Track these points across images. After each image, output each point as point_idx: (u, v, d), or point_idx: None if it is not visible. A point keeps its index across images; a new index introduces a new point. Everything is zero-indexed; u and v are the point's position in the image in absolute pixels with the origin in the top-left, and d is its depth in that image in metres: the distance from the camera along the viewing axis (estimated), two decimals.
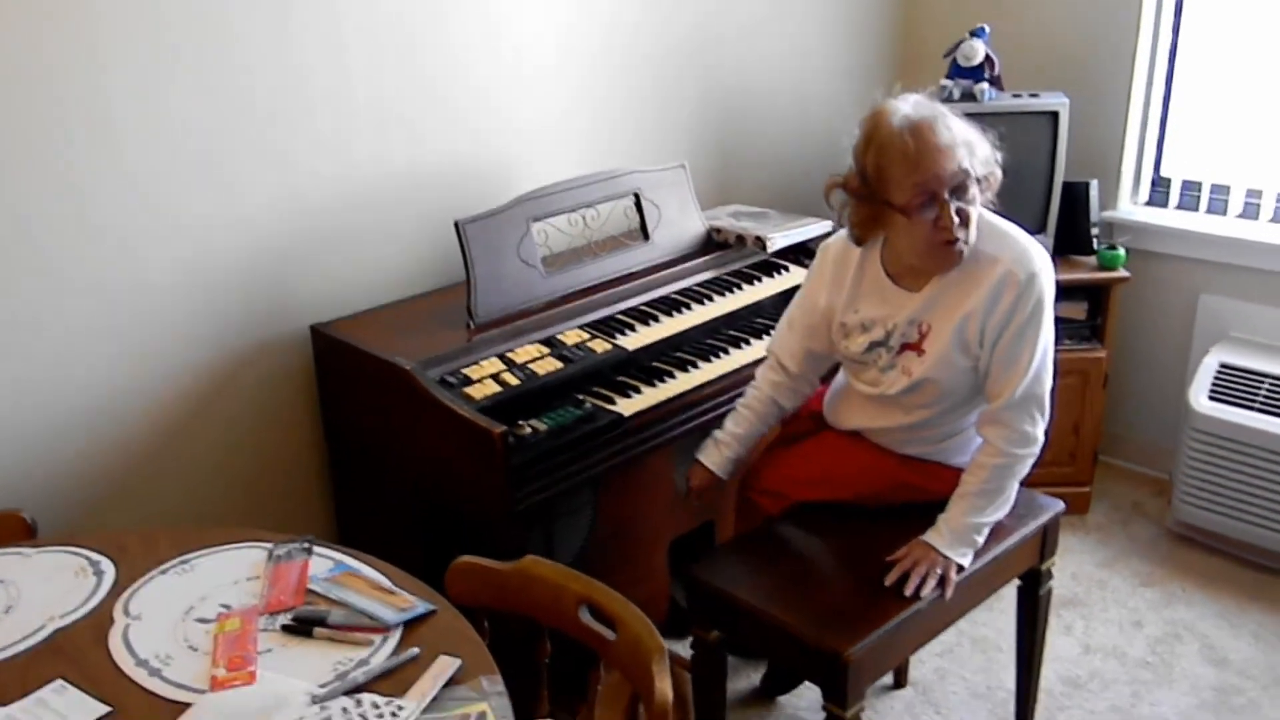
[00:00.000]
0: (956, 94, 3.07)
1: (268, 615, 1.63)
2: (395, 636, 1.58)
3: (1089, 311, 3.26)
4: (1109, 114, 3.35)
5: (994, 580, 2.22)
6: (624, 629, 1.62)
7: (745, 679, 2.71)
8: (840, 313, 2.17)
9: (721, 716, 2.28)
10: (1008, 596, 2.39)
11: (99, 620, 1.63)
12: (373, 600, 1.65)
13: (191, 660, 1.54)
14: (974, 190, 1.97)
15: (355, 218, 2.48)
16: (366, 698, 1.44)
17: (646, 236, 2.68)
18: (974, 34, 3.06)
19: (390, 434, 2.30)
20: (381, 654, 1.54)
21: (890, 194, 1.96)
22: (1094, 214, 3.22)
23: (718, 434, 2.34)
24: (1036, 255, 2.02)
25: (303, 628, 1.60)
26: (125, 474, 2.25)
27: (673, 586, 2.69)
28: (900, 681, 2.66)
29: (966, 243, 1.99)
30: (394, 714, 1.41)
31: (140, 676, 1.51)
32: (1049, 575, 2.34)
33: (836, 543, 2.18)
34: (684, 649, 2.30)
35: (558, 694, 1.91)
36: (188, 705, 1.45)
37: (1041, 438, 2.08)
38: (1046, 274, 2.02)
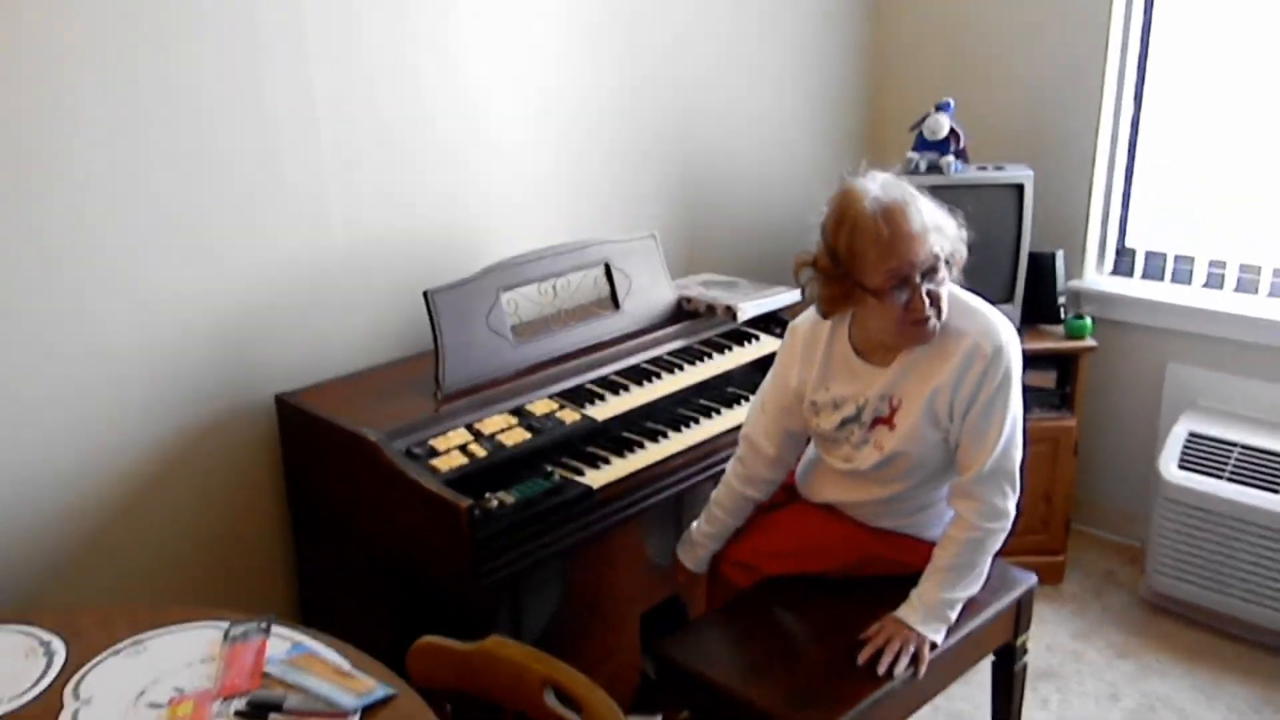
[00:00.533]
0: (923, 166, 3.10)
1: (222, 700, 1.58)
2: None
3: (1058, 380, 3.27)
4: (1073, 186, 3.39)
5: (968, 656, 2.19)
6: (588, 712, 1.57)
7: None
8: (811, 391, 2.17)
9: None
10: (983, 669, 2.36)
11: (48, 704, 1.57)
12: (331, 684, 1.60)
13: None
14: (944, 272, 1.98)
15: (323, 285, 2.45)
16: None
17: (617, 306, 2.67)
18: (939, 108, 3.11)
19: (356, 506, 2.26)
20: None
21: (863, 277, 1.96)
22: (1060, 283, 3.24)
23: (693, 533, 2.35)
24: (1003, 328, 2.03)
25: (257, 713, 1.54)
26: (82, 546, 2.18)
27: (643, 659, 2.64)
28: None
29: (938, 320, 1.99)
30: None
31: None
32: (1024, 650, 2.32)
33: (809, 618, 2.15)
34: None
35: None
36: None
37: (1013, 511, 2.07)
38: (1013, 346, 2.03)
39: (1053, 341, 3.23)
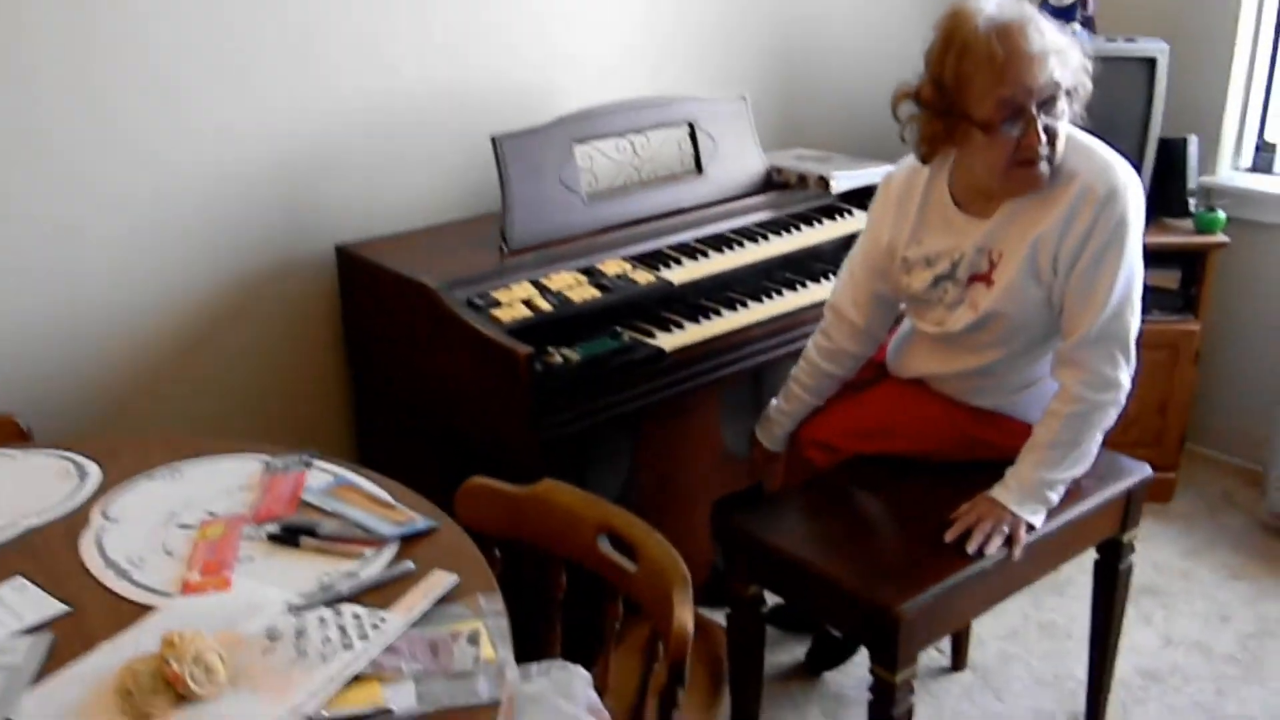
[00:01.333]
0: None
1: (254, 524, 1.48)
2: (390, 551, 1.42)
3: (1182, 280, 2.99)
4: (1210, 69, 3.07)
5: (1068, 546, 1.99)
6: (645, 558, 1.44)
7: (788, 653, 2.51)
8: (904, 247, 1.97)
9: (758, 681, 2.09)
10: (1080, 581, 2.16)
11: (74, 522, 1.50)
12: (369, 513, 1.50)
13: (165, 565, 1.40)
14: (1063, 104, 1.76)
15: (390, 134, 2.33)
16: (348, 608, 1.28)
17: (700, 170, 2.49)
18: None
19: (414, 359, 2.15)
20: (373, 568, 1.38)
21: (970, 107, 1.75)
22: (1192, 174, 2.95)
23: (771, 410, 2.17)
24: (1120, 171, 1.79)
25: (289, 537, 1.44)
26: (134, 387, 2.12)
27: (715, 549, 2.50)
28: (958, 663, 2.44)
29: (1051, 163, 1.78)
30: (375, 626, 1.25)
31: (108, 578, 1.37)
32: (1130, 549, 2.11)
33: (893, 498, 1.97)
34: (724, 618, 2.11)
35: (577, 640, 1.73)
36: (151, 609, 1.30)
37: (1126, 385, 1.85)
38: (1132, 193, 1.79)
39: (1180, 236, 2.95)
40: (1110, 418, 1.86)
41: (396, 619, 1.26)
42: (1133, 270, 1.81)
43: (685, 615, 1.30)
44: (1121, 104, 2.81)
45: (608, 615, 1.54)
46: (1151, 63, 2.84)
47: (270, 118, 2.17)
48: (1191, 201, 2.98)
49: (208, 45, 2.06)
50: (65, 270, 2.02)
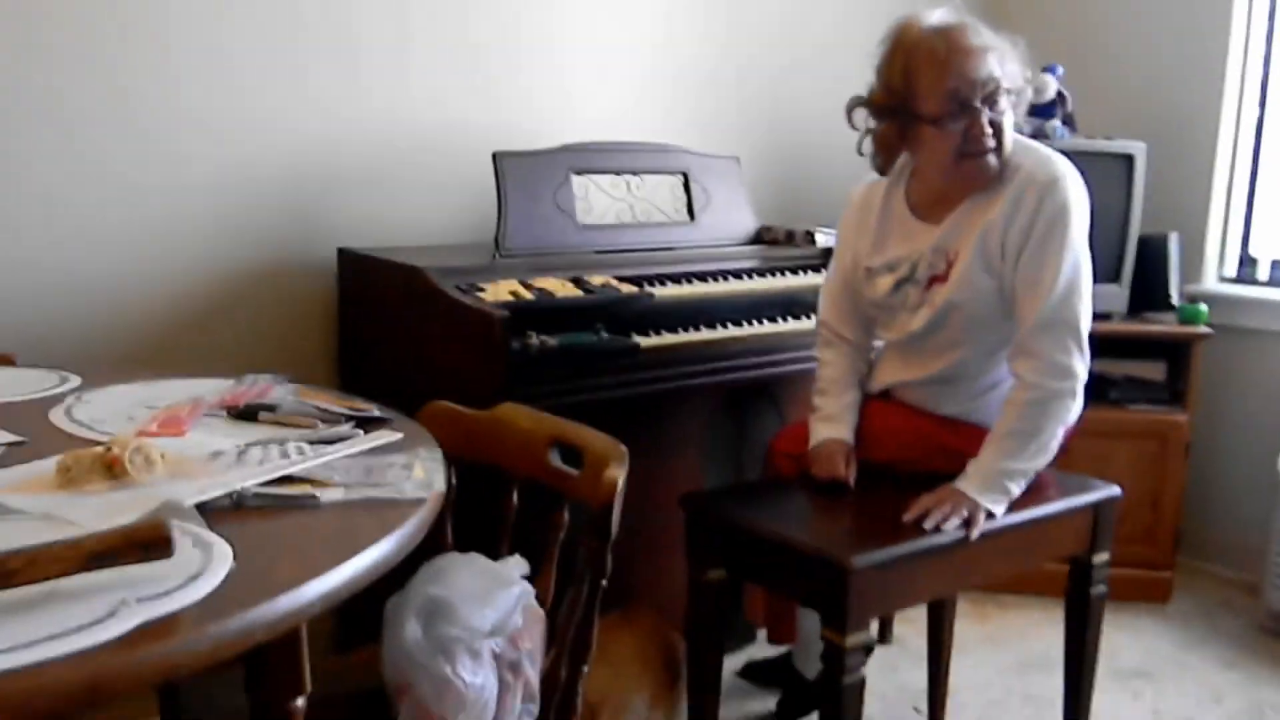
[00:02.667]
0: (1026, 130, 2.99)
1: (217, 409, 1.53)
2: (345, 428, 1.46)
3: (1168, 373, 3.04)
4: (1191, 170, 3.22)
5: (1031, 549, 1.98)
6: (588, 453, 1.47)
7: (760, 703, 2.44)
8: (866, 257, 2.07)
9: (716, 681, 2.02)
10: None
11: (46, 403, 1.56)
12: (330, 405, 1.54)
13: (126, 425, 1.44)
14: (1006, 101, 1.89)
15: (399, 157, 2.48)
16: (293, 444, 1.32)
17: (691, 218, 2.62)
18: (1046, 69, 3.03)
19: (401, 343, 2.22)
20: (326, 433, 1.42)
21: (919, 104, 1.88)
22: (1174, 269, 3.03)
23: (820, 415, 2.10)
24: (1061, 163, 1.91)
25: (249, 413, 1.49)
26: (130, 358, 2.20)
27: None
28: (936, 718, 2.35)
29: (999, 156, 1.89)
30: (318, 452, 1.28)
31: (69, 429, 1.42)
32: (1102, 572, 2.07)
33: (857, 495, 1.98)
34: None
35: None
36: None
37: (1080, 373, 1.88)
38: (1072, 182, 1.89)
39: (1163, 327, 3.02)
40: (1067, 408, 1.89)
41: (337, 450, 1.30)
42: (1078, 258, 1.88)
43: (615, 471, 1.32)
44: (1103, 198, 2.92)
45: (553, 525, 1.55)
46: (1129, 160, 2.99)
47: (287, 124, 2.33)
48: (1174, 296, 3.05)
49: (228, 55, 2.25)
50: (75, 246, 2.14)
